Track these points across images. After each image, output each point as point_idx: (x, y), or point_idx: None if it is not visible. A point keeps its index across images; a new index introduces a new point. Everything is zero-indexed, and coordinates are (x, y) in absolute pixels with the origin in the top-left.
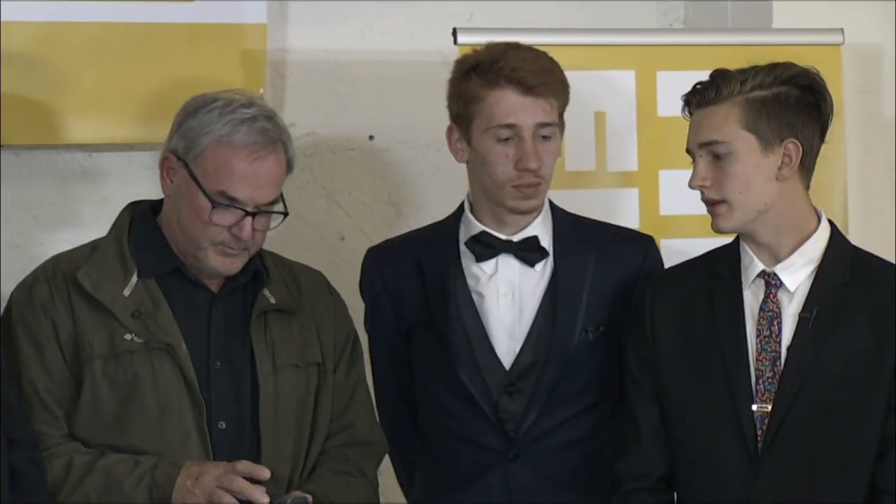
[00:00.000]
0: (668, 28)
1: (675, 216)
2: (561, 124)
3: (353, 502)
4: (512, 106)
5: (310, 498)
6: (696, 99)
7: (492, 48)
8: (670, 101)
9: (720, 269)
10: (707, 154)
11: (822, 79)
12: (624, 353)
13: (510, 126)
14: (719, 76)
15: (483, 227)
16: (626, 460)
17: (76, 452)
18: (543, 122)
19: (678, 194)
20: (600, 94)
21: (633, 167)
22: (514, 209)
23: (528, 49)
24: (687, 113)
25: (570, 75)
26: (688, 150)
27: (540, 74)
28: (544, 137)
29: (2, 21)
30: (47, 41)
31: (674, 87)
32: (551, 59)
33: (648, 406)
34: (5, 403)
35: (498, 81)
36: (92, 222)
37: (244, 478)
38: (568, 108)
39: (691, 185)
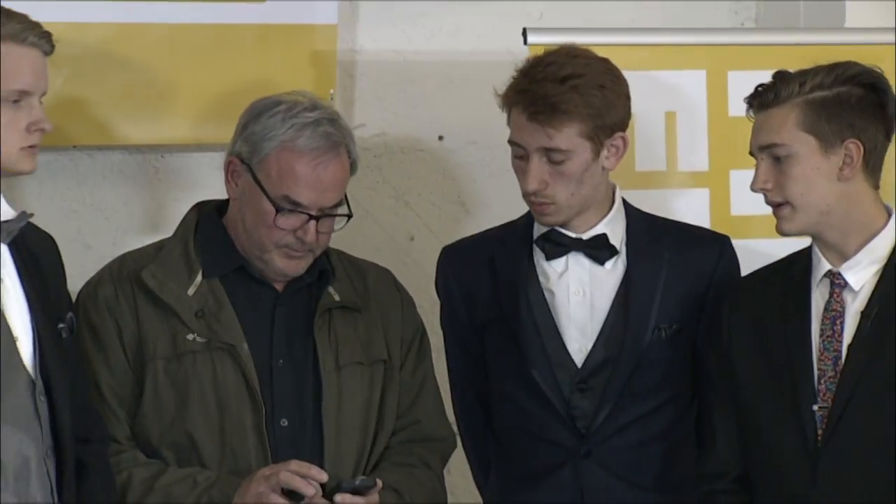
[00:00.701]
0: (739, 28)
1: (746, 216)
2: (592, 145)
3: (416, 491)
4: (518, 127)
5: (379, 482)
6: (757, 101)
7: (538, 57)
8: (741, 101)
9: (794, 270)
10: (768, 157)
11: (885, 77)
12: (701, 355)
13: (518, 145)
14: (779, 78)
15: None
16: (703, 462)
17: (136, 466)
18: (547, 147)
19: (749, 194)
20: (671, 93)
21: (703, 167)
22: (538, 221)
23: (565, 62)
24: (751, 114)
25: (641, 75)
26: (750, 153)
27: (550, 99)
28: (555, 161)
29: (73, 22)
30: (118, 42)
31: (745, 86)
32: (586, 78)
33: (725, 408)
34: (78, 403)
35: (512, 98)
36: (164, 223)
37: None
38: (638, 108)
39: (753, 188)
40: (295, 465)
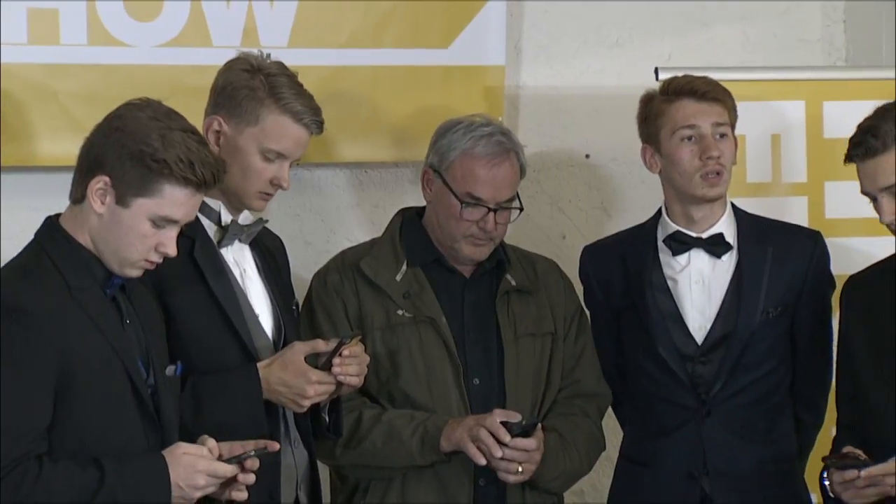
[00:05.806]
0: (832, 65)
1: (838, 219)
2: (733, 130)
3: (576, 433)
4: (691, 111)
5: (539, 423)
6: (859, 153)
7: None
8: (834, 126)
9: None
10: (888, 194)
11: None
12: (802, 331)
13: (691, 126)
14: (869, 131)
15: (677, 227)
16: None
17: (364, 407)
18: (718, 121)
19: (841, 201)
20: (776, 119)
21: (802, 179)
22: (702, 197)
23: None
24: (851, 161)
25: (752, 104)
26: (864, 192)
27: (709, 85)
28: (721, 135)
29: (300, 65)
30: (334, 81)
31: (837, 114)
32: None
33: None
34: None
35: (677, 94)
36: (367, 225)
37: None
38: (749, 131)
39: (884, 222)
40: (490, 421)
